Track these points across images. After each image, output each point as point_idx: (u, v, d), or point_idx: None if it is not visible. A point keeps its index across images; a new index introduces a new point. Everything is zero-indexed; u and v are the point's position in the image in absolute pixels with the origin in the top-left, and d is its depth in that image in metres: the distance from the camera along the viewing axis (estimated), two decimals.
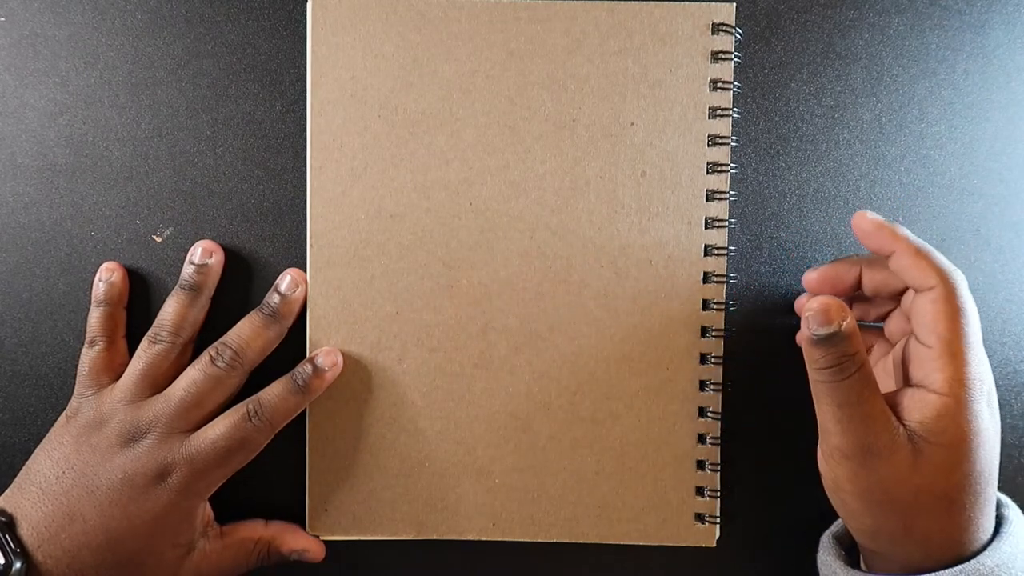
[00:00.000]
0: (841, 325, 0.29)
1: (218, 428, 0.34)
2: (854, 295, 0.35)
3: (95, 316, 0.36)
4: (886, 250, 0.32)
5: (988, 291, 0.37)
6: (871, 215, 0.32)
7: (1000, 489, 0.38)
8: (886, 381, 0.34)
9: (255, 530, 0.36)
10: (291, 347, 0.37)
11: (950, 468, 0.29)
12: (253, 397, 0.34)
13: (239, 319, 0.37)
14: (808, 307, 0.30)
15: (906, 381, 0.32)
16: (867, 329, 0.36)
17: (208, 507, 0.35)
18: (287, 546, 0.36)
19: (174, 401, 0.34)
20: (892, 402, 0.31)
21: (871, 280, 0.34)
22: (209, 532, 0.35)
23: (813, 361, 0.31)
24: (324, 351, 0.35)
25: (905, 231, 0.32)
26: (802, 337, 0.31)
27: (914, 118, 0.37)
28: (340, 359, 0.36)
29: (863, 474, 0.30)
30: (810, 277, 0.35)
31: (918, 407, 0.30)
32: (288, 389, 0.35)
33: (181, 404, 0.34)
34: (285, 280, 0.36)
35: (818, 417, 0.31)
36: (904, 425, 0.30)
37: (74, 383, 0.35)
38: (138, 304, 0.37)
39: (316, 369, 0.35)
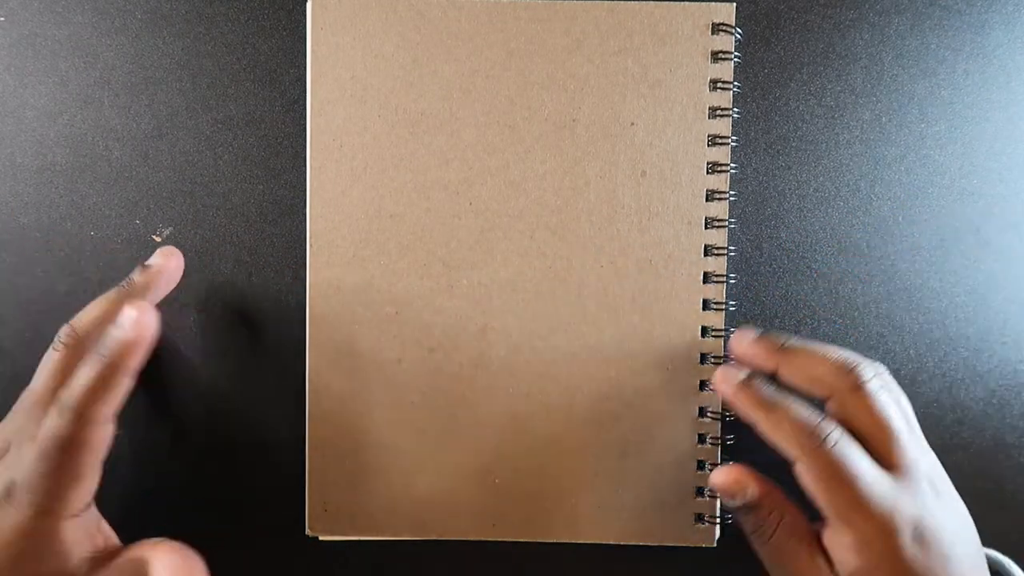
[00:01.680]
0: (746, 496, 0.30)
1: (39, 432, 0.29)
2: None
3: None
4: (745, 419, 0.32)
5: (988, 291, 0.37)
6: (725, 382, 0.32)
7: (1000, 488, 0.38)
8: None
9: (137, 552, 0.31)
10: (291, 348, 0.37)
11: (932, 561, 0.28)
12: None
13: (237, 321, 0.37)
14: (711, 482, 0.32)
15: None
16: None
17: (99, 530, 0.31)
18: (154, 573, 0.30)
19: (24, 402, 0.30)
20: (828, 547, 0.30)
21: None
22: (98, 560, 0.30)
23: (741, 524, 0.32)
24: (126, 314, 0.29)
25: (761, 392, 0.31)
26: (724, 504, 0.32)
27: (914, 118, 0.37)
28: (147, 317, 0.30)
29: None
30: (734, 348, 0.34)
31: (842, 559, 0.29)
32: (88, 365, 0.29)
33: (29, 404, 0.30)
34: (153, 255, 0.33)
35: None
36: (835, 574, 0.30)
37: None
38: None
39: (117, 332, 0.30)
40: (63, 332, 0.31)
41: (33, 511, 0.28)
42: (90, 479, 0.29)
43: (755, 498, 0.31)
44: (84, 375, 0.29)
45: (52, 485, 0.28)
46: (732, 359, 0.34)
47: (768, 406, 0.31)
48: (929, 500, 0.30)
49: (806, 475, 0.30)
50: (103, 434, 0.29)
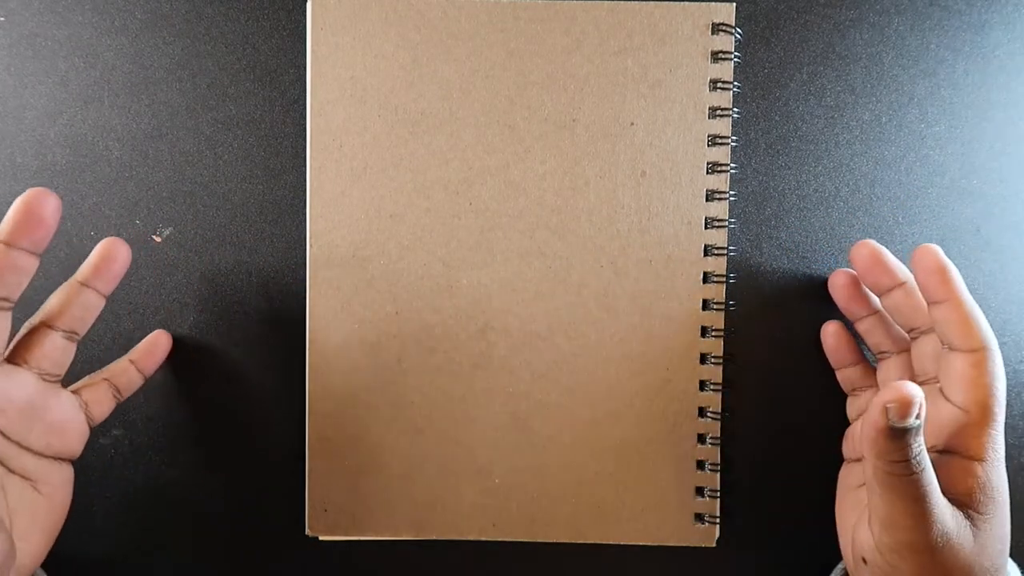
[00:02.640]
0: (919, 417, 0.27)
1: None
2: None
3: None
4: (938, 296, 0.31)
5: (988, 291, 0.37)
6: (938, 255, 0.31)
7: None
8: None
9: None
10: (291, 348, 0.37)
11: (996, 536, 0.29)
12: None
13: (237, 321, 0.37)
14: (888, 397, 0.27)
15: (929, 445, 0.30)
16: (864, 365, 0.36)
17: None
18: None
19: None
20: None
21: (899, 302, 0.33)
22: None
23: (885, 453, 0.28)
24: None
25: (962, 283, 0.31)
26: (876, 426, 0.28)
27: (914, 118, 0.37)
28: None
29: (930, 565, 0.28)
30: (863, 252, 0.33)
31: (962, 478, 0.29)
32: None
33: None
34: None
35: (879, 510, 0.29)
36: (955, 503, 0.29)
37: (74, 383, 0.35)
38: (136, 307, 0.37)
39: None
40: None
41: None
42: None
43: (924, 422, 0.28)
44: None
45: None
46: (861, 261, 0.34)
47: (966, 296, 0.31)
48: None
49: (977, 367, 0.30)
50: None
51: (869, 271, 0.33)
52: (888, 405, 0.27)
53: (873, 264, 0.33)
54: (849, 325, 0.36)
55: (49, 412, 0.31)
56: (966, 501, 0.29)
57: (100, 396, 0.34)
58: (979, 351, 0.30)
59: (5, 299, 0.29)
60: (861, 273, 0.34)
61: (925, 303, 0.32)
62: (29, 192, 0.29)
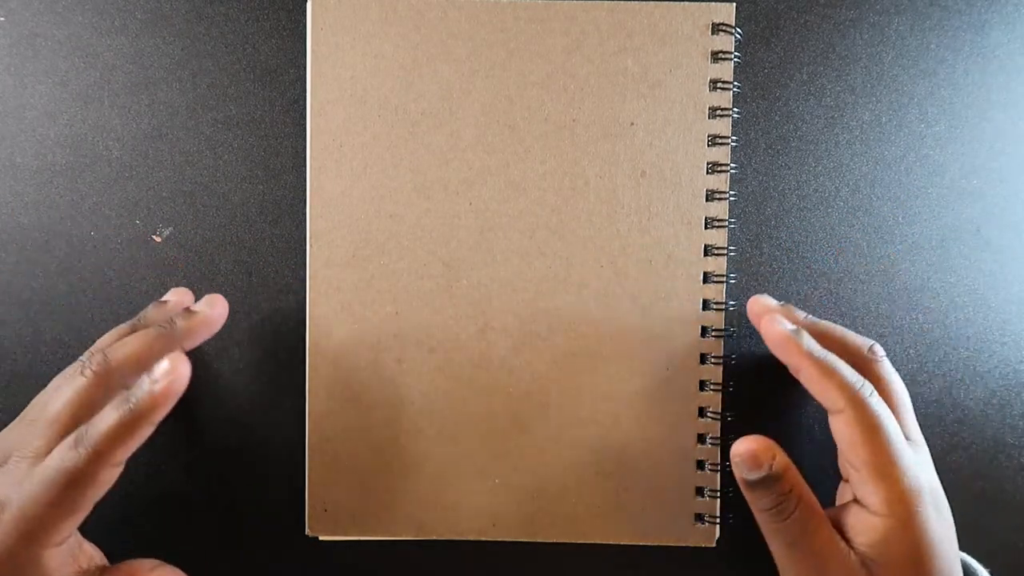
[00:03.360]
0: (771, 467, 0.29)
1: (48, 459, 0.28)
2: None
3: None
4: (791, 365, 0.32)
5: (988, 291, 0.37)
6: (777, 325, 0.32)
7: (1000, 487, 0.38)
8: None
9: (119, 573, 0.31)
10: (291, 348, 0.37)
11: None
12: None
13: (238, 321, 0.37)
14: (735, 452, 0.30)
15: (851, 491, 0.31)
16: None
17: (81, 549, 0.30)
18: None
19: (35, 417, 0.29)
20: (839, 523, 0.30)
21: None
22: None
23: (753, 503, 0.30)
24: (161, 366, 0.29)
25: (808, 344, 0.31)
26: (738, 480, 0.31)
27: (914, 118, 0.37)
28: (182, 371, 0.29)
29: None
30: (754, 308, 0.34)
31: (863, 529, 0.29)
32: (116, 408, 0.28)
33: (42, 421, 0.29)
34: (200, 302, 0.33)
35: (772, 554, 0.31)
36: (854, 549, 0.29)
37: None
38: (136, 307, 0.37)
39: (150, 385, 0.29)
40: (95, 361, 0.30)
41: (19, 536, 0.27)
42: (86, 512, 0.29)
43: (780, 469, 0.29)
44: (110, 417, 0.28)
45: (48, 515, 0.28)
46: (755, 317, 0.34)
47: (816, 358, 0.31)
48: (934, 474, 0.31)
49: (849, 426, 0.30)
50: (114, 474, 0.29)
51: (777, 348, 0.33)
52: (735, 461, 0.30)
53: (781, 343, 0.32)
54: None
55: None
56: (869, 552, 0.29)
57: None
58: (843, 411, 0.30)
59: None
60: (770, 347, 0.33)
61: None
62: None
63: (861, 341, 0.33)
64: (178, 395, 0.29)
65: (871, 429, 0.29)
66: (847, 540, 0.30)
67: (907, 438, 0.31)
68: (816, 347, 0.31)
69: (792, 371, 0.32)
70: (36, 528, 0.27)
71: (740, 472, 0.30)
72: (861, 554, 0.29)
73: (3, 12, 0.37)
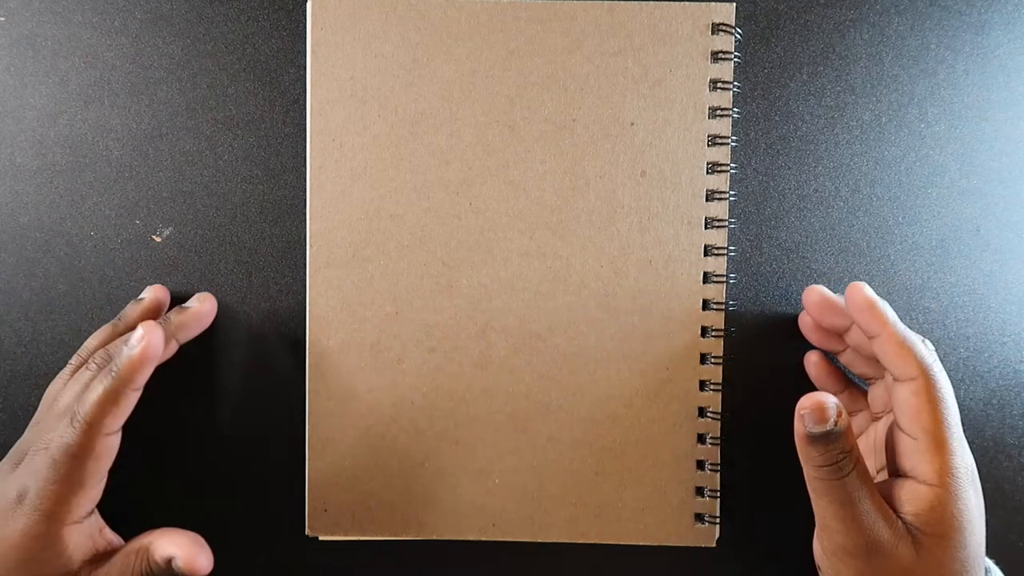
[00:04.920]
0: (837, 423, 0.30)
1: (50, 441, 0.30)
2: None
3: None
4: (872, 331, 0.32)
5: (988, 291, 0.37)
6: (866, 291, 0.32)
7: (1000, 487, 0.38)
8: (869, 459, 0.34)
9: (138, 542, 0.32)
10: (291, 349, 0.37)
11: (948, 557, 0.29)
12: None
13: (238, 321, 0.37)
14: (802, 405, 0.30)
15: (892, 468, 0.32)
16: (852, 390, 0.36)
17: (101, 534, 0.32)
18: (158, 553, 0.31)
19: (45, 413, 0.32)
20: (885, 493, 0.31)
21: (859, 338, 0.34)
22: (101, 560, 0.31)
23: (810, 459, 0.30)
24: (136, 334, 0.31)
25: (891, 315, 0.32)
26: (798, 434, 0.31)
27: (914, 118, 0.37)
28: (155, 336, 0.31)
29: (868, 571, 0.30)
30: (812, 299, 0.35)
31: (911, 499, 0.30)
32: (100, 381, 0.31)
33: (51, 416, 0.31)
34: (191, 299, 0.36)
35: (816, 514, 0.31)
36: (900, 517, 0.30)
37: None
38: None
39: (128, 351, 0.31)
40: (99, 356, 0.33)
41: (40, 515, 0.29)
42: (95, 487, 0.31)
43: (845, 426, 0.30)
44: (96, 390, 0.30)
45: (60, 491, 0.30)
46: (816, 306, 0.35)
47: (901, 327, 0.31)
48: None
49: (917, 395, 0.30)
50: (110, 444, 0.31)
51: (821, 317, 0.35)
52: (802, 412, 0.30)
53: (822, 309, 0.34)
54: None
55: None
56: (914, 521, 0.30)
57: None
58: (916, 379, 0.31)
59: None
60: (815, 318, 0.35)
61: None
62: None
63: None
64: (154, 359, 0.31)
65: (938, 401, 0.30)
66: (896, 510, 0.30)
67: None
68: (896, 317, 0.32)
69: (866, 335, 0.33)
70: (52, 507, 0.30)
71: (804, 425, 0.30)
72: (907, 523, 0.30)
73: (3, 12, 0.37)
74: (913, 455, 0.30)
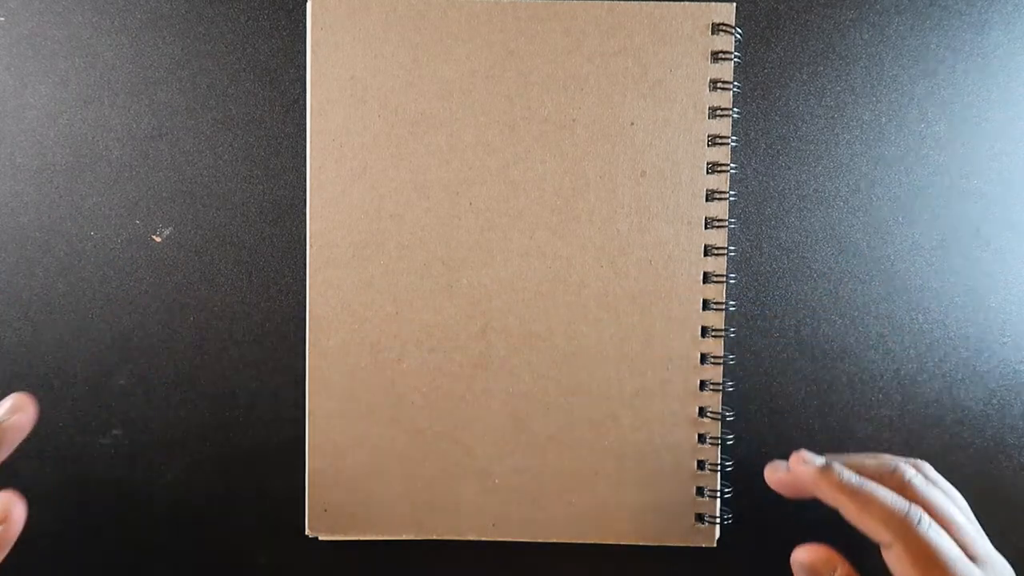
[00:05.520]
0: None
1: None
2: None
3: None
4: (831, 502, 0.30)
5: (988, 291, 0.37)
6: (807, 463, 0.31)
7: (1000, 488, 0.38)
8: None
9: None
10: (291, 348, 0.37)
11: None
12: None
13: (238, 321, 0.37)
14: (796, 561, 0.30)
15: None
16: None
17: None
18: None
19: None
20: None
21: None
22: None
23: None
24: None
25: (841, 474, 0.30)
26: None
27: (914, 118, 0.37)
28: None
29: None
30: (773, 480, 0.33)
31: None
32: None
33: None
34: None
35: None
36: None
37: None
38: (136, 307, 0.37)
39: None
40: None
41: None
42: None
43: None
44: None
45: None
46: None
47: (854, 491, 0.29)
48: None
49: (902, 559, 0.28)
50: None
51: (791, 494, 0.33)
52: (795, 567, 0.30)
53: (787, 489, 0.33)
54: None
55: None
56: None
57: None
58: (892, 546, 0.28)
59: None
60: (786, 495, 0.33)
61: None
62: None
63: (884, 462, 0.31)
64: None
65: (927, 560, 0.27)
66: None
67: (972, 558, 0.29)
68: (851, 476, 0.30)
69: (835, 508, 0.31)
70: None
71: None
72: None
73: (3, 12, 0.37)
74: None
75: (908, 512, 0.28)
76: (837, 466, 0.30)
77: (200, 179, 0.37)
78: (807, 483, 0.31)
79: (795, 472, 0.31)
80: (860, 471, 0.31)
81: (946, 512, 0.30)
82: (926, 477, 0.31)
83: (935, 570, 0.27)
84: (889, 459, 0.32)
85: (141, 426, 0.37)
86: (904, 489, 0.30)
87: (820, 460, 0.31)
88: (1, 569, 0.29)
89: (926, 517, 0.28)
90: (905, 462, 0.31)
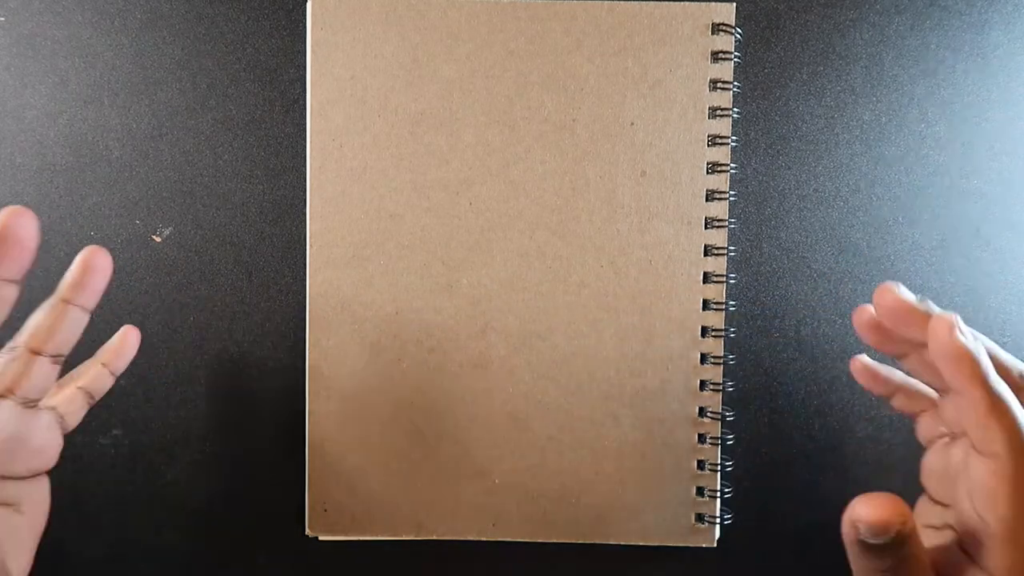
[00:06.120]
0: (900, 529, 0.24)
1: None
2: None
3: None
4: (954, 386, 0.26)
5: (988, 291, 0.37)
6: (954, 332, 0.26)
7: None
8: (938, 484, 0.29)
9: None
10: (291, 348, 0.37)
11: None
12: None
13: (237, 321, 0.37)
14: (858, 512, 0.24)
15: (960, 531, 0.27)
16: (908, 389, 0.31)
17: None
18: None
19: None
20: (944, 570, 0.26)
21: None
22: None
23: (863, 568, 0.26)
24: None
25: (987, 368, 0.26)
26: (847, 538, 0.25)
27: (914, 118, 0.37)
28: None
29: None
30: (886, 302, 0.28)
31: (980, 505, 0.25)
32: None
33: None
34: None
35: None
36: None
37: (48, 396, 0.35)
38: (136, 305, 0.37)
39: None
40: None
41: None
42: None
43: (909, 531, 0.24)
44: None
45: None
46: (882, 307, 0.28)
47: (992, 388, 0.26)
48: None
49: (996, 478, 0.25)
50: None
51: (895, 325, 0.28)
52: (857, 522, 0.25)
53: (898, 318, 0.28)
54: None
55: (32, 438, 0.29)
56: None
57: (76, 406, 0.32)
58: (999, 458, 0.25)
59: None
60: (888, 325, 0.28)
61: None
62: (5, 215, 0.27)
63: (1013, 363, 0.28)
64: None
65: (1001, 410, 0.25)
66: None
67: None
68: (994, 374, 0.26)
69: (946, 386, 0.27)
70: None
71: (860, 535, 0.25)
72: None
73: (3, 12, 0.37)
74: (983, 540, 0.26)
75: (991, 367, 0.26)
76: (985, 356, 0.26)
77: (200, 179, 0.37)
78: (950, 356, 0.26)
79: (940, 338, 0.27)
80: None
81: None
82: None
83: (1008, 418, 0.25)
84: (1018, 363, 0.28)
85: (141, 426, 0.37)
86: (1019, 391, 0.26)
87: (974, 342, 0.26)
88: None
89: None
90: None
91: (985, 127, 0.37)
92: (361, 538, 0.37)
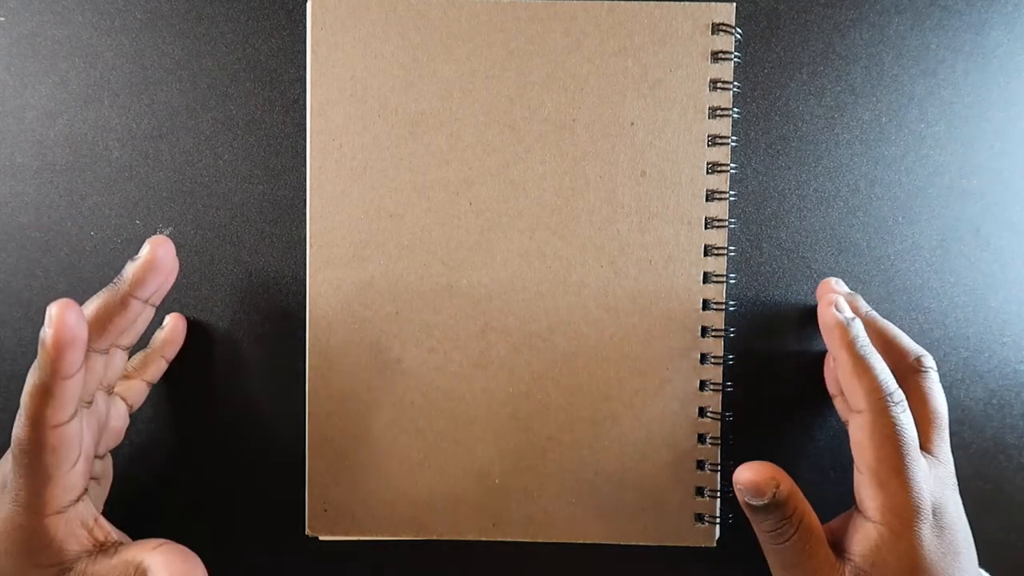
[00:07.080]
0: (774, 494, 0.29)
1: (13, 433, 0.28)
2: None
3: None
4: (832, 352, 0.32)
5: (988, 291, 0.37)
6: (834, 311, 0.31)
7: (1000, 488, 0.38)
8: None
9: (138, 553, 0.29)
10: (291, 348, 0.37)
11: None
12: None
13: (238, 321, 0.37)
14: (737, 480, 0.30)
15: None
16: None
17: (97, 524, 0.30)
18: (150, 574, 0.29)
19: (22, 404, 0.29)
20: (842, 530, 0.30)
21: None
22: (98, 554, 0.29)
23: (754, 523, 0.31)
24: (47, 316, 0.27)
25: (856, 334, 0.31)
26: (741, 503, 0.30)
27: (914, 118, 0.37)
28: (70, 320, 0.27)
29: None
30: (822, 290, 0.35)
31: (859, 538, 0.29)
32: (32, 371, 0.28)
33: (22, 406, 0.28)
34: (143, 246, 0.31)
35: (771, 569, 0.32)
36: (850, 560, 0.29)
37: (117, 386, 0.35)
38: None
39: (43, 338, 0.27)
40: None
41: (17, 506, 0.28)
42: (64, 478, 0.28)
43: (783, 496, 0.29)
44: (29, 381, 0.27)
45: (27, 484, 0.28)
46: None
47: (856, 351, 0.30)
48: (951, 494, 0.31)
49: (862, 430, 0.30)
50: (65, 435, 0.28)
51: (827, 332, 0.33)
52: (737, 487, 0.30)
53: (831, 327, 0.32)
54: None
55: (111, 422, 0.33)
56: (861, 562, 0.29)
57: (139, 393, 0.35)
58: (862, 413, 0.30)
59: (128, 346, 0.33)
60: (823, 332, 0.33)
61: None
62: (153, 246, 0.30)
63: (911, 348, 0.33)
64: (75, 341, 0.27)
65: (884, 438, 0.29)
66: (845, 549, 0.30)
67: (931, 451, 0.31)
68: (862, 340, 0.31)
69: (833, 359, 0.32)
70: (27, 498, 0.28)
71: (743, 497, 0.30)
72: (856, 565, 0.29)
73: (3, 12, 0.37)
74: (860, 488, 0.30)
75: (893, 392, 0.30)
76: (857, 326, 0.31)
77: (200, 179, 0.37)
78: (827, 327, 0.31)
79: (821, 313, 0.32)
80: (882, 338, 0.33)
81: (935, 409, 0.32)
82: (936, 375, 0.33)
83: (887, 447, 0.29)
84: (917, 348, 0.33)
85: (141, 426, 0.37)
86: (913, 373, 0.32)
87: (848, 315, 0.32)
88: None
89: (905, 403, 0.30)
90: (930, 359, 0.33)
91: (985, 127, 0.37)
92: (361, 538, 0.37)
